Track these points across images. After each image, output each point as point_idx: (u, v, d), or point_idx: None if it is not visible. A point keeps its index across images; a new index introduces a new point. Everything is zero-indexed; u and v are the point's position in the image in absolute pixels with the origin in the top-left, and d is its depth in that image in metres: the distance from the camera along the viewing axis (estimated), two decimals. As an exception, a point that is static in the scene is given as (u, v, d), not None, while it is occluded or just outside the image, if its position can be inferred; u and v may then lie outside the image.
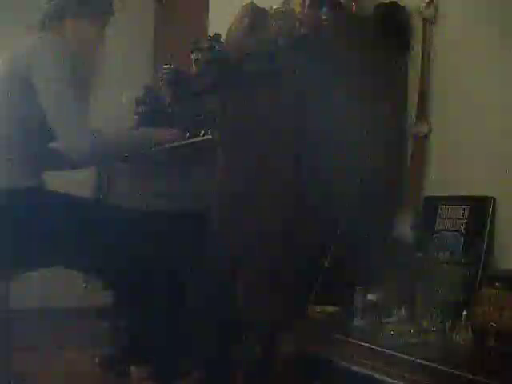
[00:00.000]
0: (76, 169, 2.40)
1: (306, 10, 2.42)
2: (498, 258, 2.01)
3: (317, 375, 1.96)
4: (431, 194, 2.24)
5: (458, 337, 1.69)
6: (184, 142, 2.25)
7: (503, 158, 2.04)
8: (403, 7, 2.34)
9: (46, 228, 2.00)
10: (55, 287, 3.60)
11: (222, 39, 2.65)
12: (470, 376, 1.42)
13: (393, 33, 2.32)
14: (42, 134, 2.14)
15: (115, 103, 3.51)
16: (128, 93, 3.12)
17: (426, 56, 2.28)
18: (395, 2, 2.34)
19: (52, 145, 2.28)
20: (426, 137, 2.28)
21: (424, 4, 2.27)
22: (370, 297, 1.96)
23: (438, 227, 2.16)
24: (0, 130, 2.10)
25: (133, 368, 2.11)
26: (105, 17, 2.25)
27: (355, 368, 1.72)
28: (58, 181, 2.26)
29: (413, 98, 2.33)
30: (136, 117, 3.00)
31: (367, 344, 1.70)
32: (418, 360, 1.54)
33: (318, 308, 1.99)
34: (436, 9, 2.27)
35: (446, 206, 2.15)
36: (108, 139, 2.14)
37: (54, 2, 2.18)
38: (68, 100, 2.03)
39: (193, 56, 2.63)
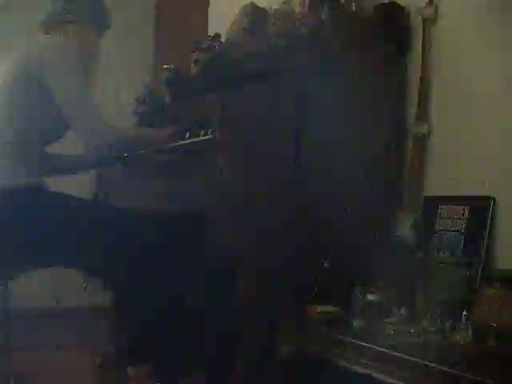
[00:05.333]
0: (75, 173, 2.41)
1: (306, 10, 2.42)
2: (498, 258, 2.01)
3: (317, 375, 1.96)
4: (431, 194, 2.24)
5: (458, 337, 1.69)
6: (184, 142, 2.25)
7: (503, 158, 2.04)
8: (403, 7, 2.34)
9: (45, 228, 2.00)
10: (55, 287, 3.60)
11: (221, 39, 2.65)
12: (470, 376, 1.42)
13: (393, 33, 2.32)
14: (43, 134, 2.14)
15: (115, 103, 3.52)
16: (128, 93, 3.12)
17: (426, 56, 2.28)
18: (395, 2, 2.34)
19: (51, 148, 2.29)
20: (426, 137, 2.28)
21: (424, 4, 2.27)
22: (369, 297, 1.96)
23: (438, 227, 2.16)
24: (4, 128, 2.11)
25: (130, 368, 2.10)
26: (101, 29, 2.30)
27: (355, 368, 1.71)
28: (59, 181, 2.27)
29: (413, 98, 2.33)
30: (136, 117, 3.01)
31: (367, 344, 1.70)
32: (418, 360, 1.54)
33: (318, 308, 1.99)
34: (436, 9, 2.27)
35: (446, 206, 2.15)
36: (120, 133, 2.18)
37: (56, 7, 2.20)
38: (82, 96, 2.07)
39: (193, 56, 2.63)
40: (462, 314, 1.70)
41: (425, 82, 2.28)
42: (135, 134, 2.29)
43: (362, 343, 1.72)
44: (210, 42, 2.56)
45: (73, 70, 2.07)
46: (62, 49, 2.10)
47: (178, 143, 2.27)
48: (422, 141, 2.28)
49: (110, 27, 2.35)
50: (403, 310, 1.83)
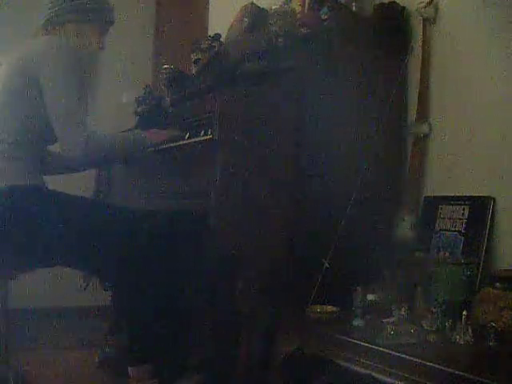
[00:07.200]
0: (73, 172, 2.40)
1: (306, 10, 2.43)
2: (498, 258, 2.01)
3: (317, 375, 1.96)
4: (431, 194, 2.25)
5: (457, 337, 1.69)
6: (184, 142, 2.25)
7: (503, 158, 2.04)
8: (403, 7, 2.35)
9: (45, 228, 2.00)
10: (55, 287, 3.60)
11: (221, 39, 2.65)
12: (470, 376, 1.42)
13: (393, 33, 2.32)
14: (44, 134, 2.14)
15: (115, 103, 3.52)
16: (128, 93, 3.12)
17: (426, 56, 2.28)
18: (395, 1, 2.34)
19: (51, 147, 2.29)
20: (425, 137, 2.28)
21: (424, 4, 2.27)
22: (369, 297, 1.96)
23: (438, 227, 2.16)
24: (4, 128, 2.11)
25: (131, 368, 2.10)
26: (104, 25, 2.28)
27: (355, 368, 1.71)
28: (59, 180, 2.27)
29: (413, 98, 2.33)
30: (136, 117, 3.01)
31: (367, 344, 1.70)
32: (418, 360, 1.54)
33: (318, 308, 1.99)
34: (436, 9, 2.27)
35: (446, 206, 2.15)
36: (102, 141, 2.14)
37: (56, 7, 2.20)
38: (70, 100, 2.05)
39: (193, 56, 2.63)
40: (461, 314, 1.70)
41: (425, 81, 2.28)
42: (121, 139, 2.25)
43: (362, 343, 1.72)
44: (209, 42, 2.56)
45: (64, 71, 2.06)
46: (58, 49, 2.09)
47: (178, 143, 2.27)
48: (422, 141, 2.28)
49: (114, 23, 2.33)
50: (403, 310, 1.83)
